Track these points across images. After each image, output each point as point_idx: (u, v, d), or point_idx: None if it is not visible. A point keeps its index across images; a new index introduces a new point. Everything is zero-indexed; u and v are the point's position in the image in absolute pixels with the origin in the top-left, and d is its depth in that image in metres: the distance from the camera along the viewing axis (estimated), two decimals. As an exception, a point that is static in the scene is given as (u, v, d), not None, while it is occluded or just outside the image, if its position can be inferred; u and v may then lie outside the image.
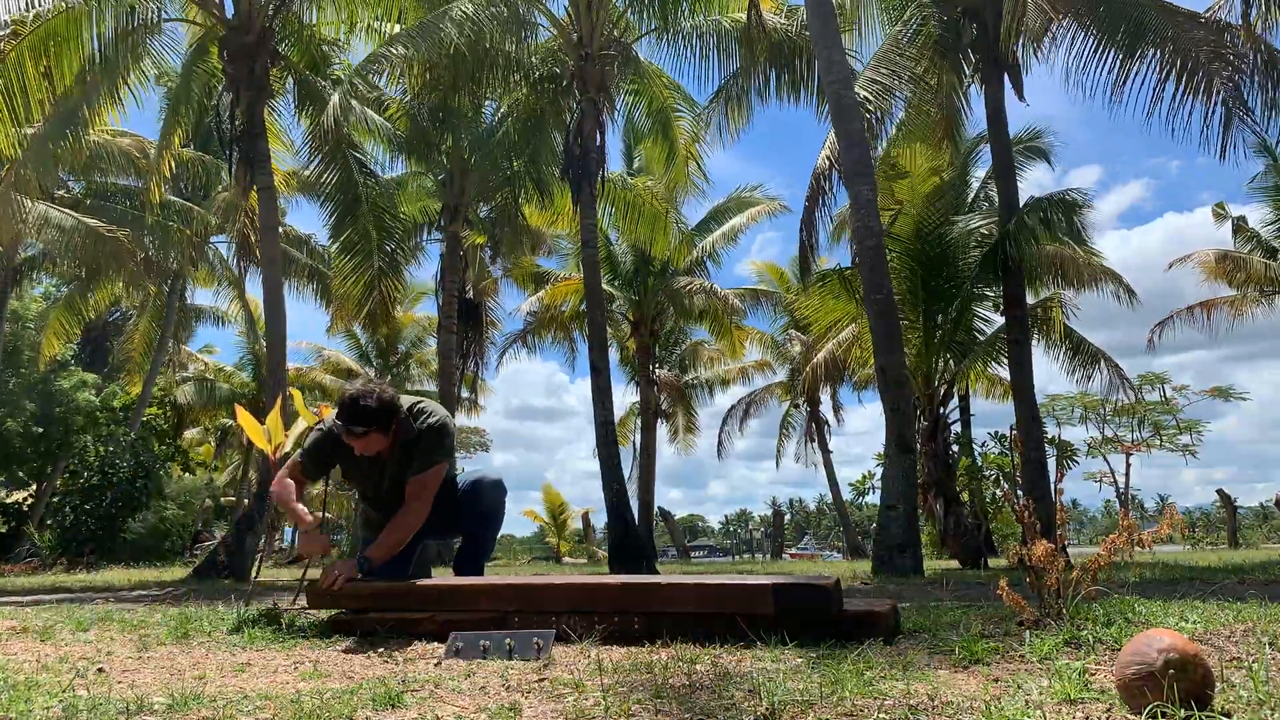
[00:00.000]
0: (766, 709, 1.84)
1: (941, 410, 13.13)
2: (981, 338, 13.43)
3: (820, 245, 12.47)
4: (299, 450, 3.72)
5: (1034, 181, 37.94)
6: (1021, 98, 12.02)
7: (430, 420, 3.52)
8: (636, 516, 14.54)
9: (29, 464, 24.10)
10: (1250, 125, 10.00)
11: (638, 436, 24.63)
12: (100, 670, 2.58)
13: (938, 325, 13.06)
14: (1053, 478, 10.43)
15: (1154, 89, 10.58)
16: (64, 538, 19.14)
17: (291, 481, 3.62)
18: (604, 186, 14.07)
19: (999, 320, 12.77)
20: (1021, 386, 11.09)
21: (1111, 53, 10.95)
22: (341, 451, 3.54)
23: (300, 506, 3.54)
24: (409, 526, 3.47)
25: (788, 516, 78.03)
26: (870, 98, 11.41)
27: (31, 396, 22.96)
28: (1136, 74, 10.74)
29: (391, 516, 3.52)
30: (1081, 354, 15.37)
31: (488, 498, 3.79)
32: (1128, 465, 18.95)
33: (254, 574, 6.51)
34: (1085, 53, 11.22)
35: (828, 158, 11.73)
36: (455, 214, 17.02)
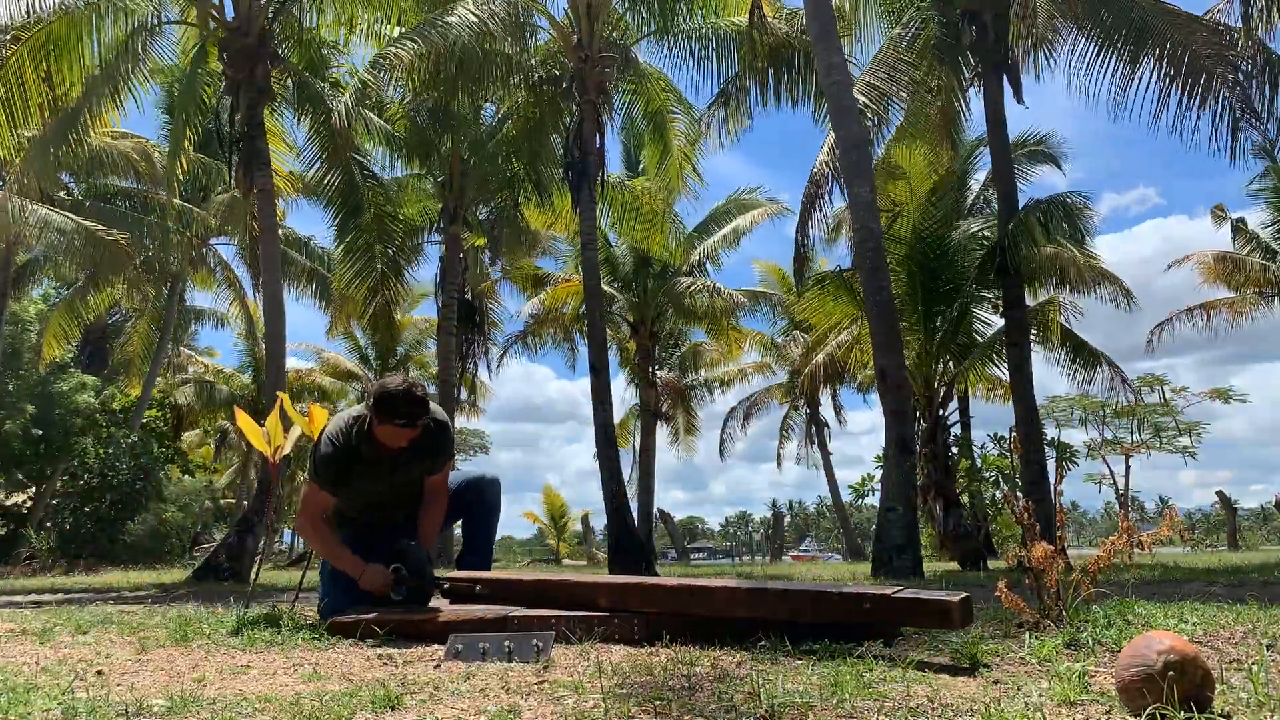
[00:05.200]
0: (766, 710, 1.83)
1: (941, 412, 13.13)
2: (981, 339, 13.43)
3: (819, 247, 12.49)
4: (311, 477, 3.62)
5: (1042, 185, 37.95)
6: (1020, 100, 12.04)
7: (437, 417, 3.59)
8: (636, 518, 14.54)
9: (28, 466, 24.09)
10: (1258, 128, 10.01)
11: (638, 438, 24.63)
12: (99, 673, 2.57)
13: (937, 327, 13.06)
14: (1052, 480, 10.43)
15: (1159, 94, 10.59)
16: (63, 540, 19.13)
17: (325, 529, 3.62)
18: (603, 188, 14.09)
19: (999, 322, 12.78)
20: (1021, 388, 11.09)
21: (1113, 58, 10.96)
22: (353, 458, 3.53)
23: (348, 554, 3.53)
24: (440, 519, 3.78)
25: (787, 518, 78.04)
26: (869, 100, 11.41)
27: (31, 399, 22.96)
28: (1140, 79, 10.75)
29: (384, 514, 3.71)
30: (1081, 356, 15.37)
31: (488, 496, 3.90)
32: (1127, 467, 18.94)
33: (254, 576, 6.51)
34: (1088, 57, 11.24)
35: (825, 160, 11.74)
36: (455, 216, 17.04)
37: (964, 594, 2.57)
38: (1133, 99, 10.79)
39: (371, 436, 3.46)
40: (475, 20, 11.38)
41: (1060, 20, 11.67)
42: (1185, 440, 16.53)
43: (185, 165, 14.04)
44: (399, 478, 3.60)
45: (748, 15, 12.05)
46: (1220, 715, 1.69)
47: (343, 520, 3.74)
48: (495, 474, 3.95)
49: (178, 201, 19.54)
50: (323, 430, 3.59)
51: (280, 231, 16.00)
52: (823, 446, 31.43)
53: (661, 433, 26.71)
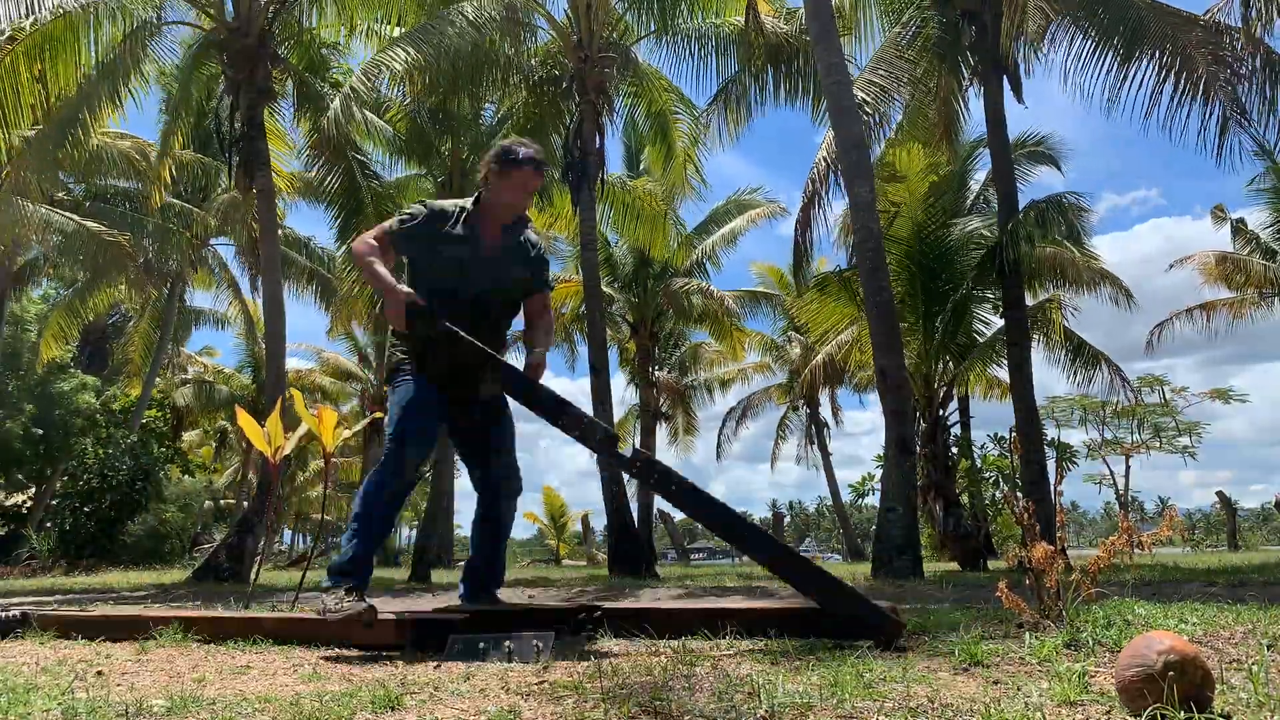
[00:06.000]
0: (766, 711, 1.83)
1: (941, 412, 13.13)
2: (981, 339, 13.44)
3: (819, 247, 12.48)
4: (394, 222, 3.42)
5: (1041, 185, 37.96)
6: (1020, 100, 12.03)
7: (535, 230, 3.58)
8: (636, 519, 14.52)
9: (28, 466, 24.11)
10: (1247, 129, 9.99)
11: (637, 438, 24.62)
12: (99, 673, 2.58)
13: (937, 327, 13.06)
14: (1052, 480, 10.43)
15: (1151, 92, 10.58)
16: (63, 540, 19.13)
17: (377, 245, 3.35)
18: (603, 188, 14.08)
19: (999, 322, 12.78)
20: (1020, 388, 11.09)
21: (1110, 55, 10.95)
22: (445, 220, 3.35)
23: (388, 274, 3.24)
24: (549, 332, 3.55)
25: (787, 519, 78.02)
26: (869, 100, 11.41)
27: (31, 399, 22.96)
28: (1135, 76, 10.74)
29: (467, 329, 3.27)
30: (1081, 356, 15.38)
31: (512, 506, 3.58)
32: (1127, 467, 18.99)
33: (254, 576, 6.51)
34: (1084, 55, 11.23)
35: (825, 159, 11.73)
36: (455, 216, 17.03)
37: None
38: (1126, 97, 10.79)
39: (481, 213, 3.37)
40: (472, 23, 11.36)
41: (1057, 20, 11.66)
42: (1185, 440, 16.60)
43: (171, 168, 14.00)
44: (490, 273, 3.34)
45: (744, 16, 12.05)
46: (1220, 715, 1.68)
47: (416, 362, 3.34)
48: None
49: (177, 201, 19.55)
50: None
51: (280, 232, 16.01)
52: (823, 447, 31.45)
53: (661, 433, 26.73)
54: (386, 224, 3.44)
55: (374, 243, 3.35)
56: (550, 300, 3.56)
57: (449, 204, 3.44)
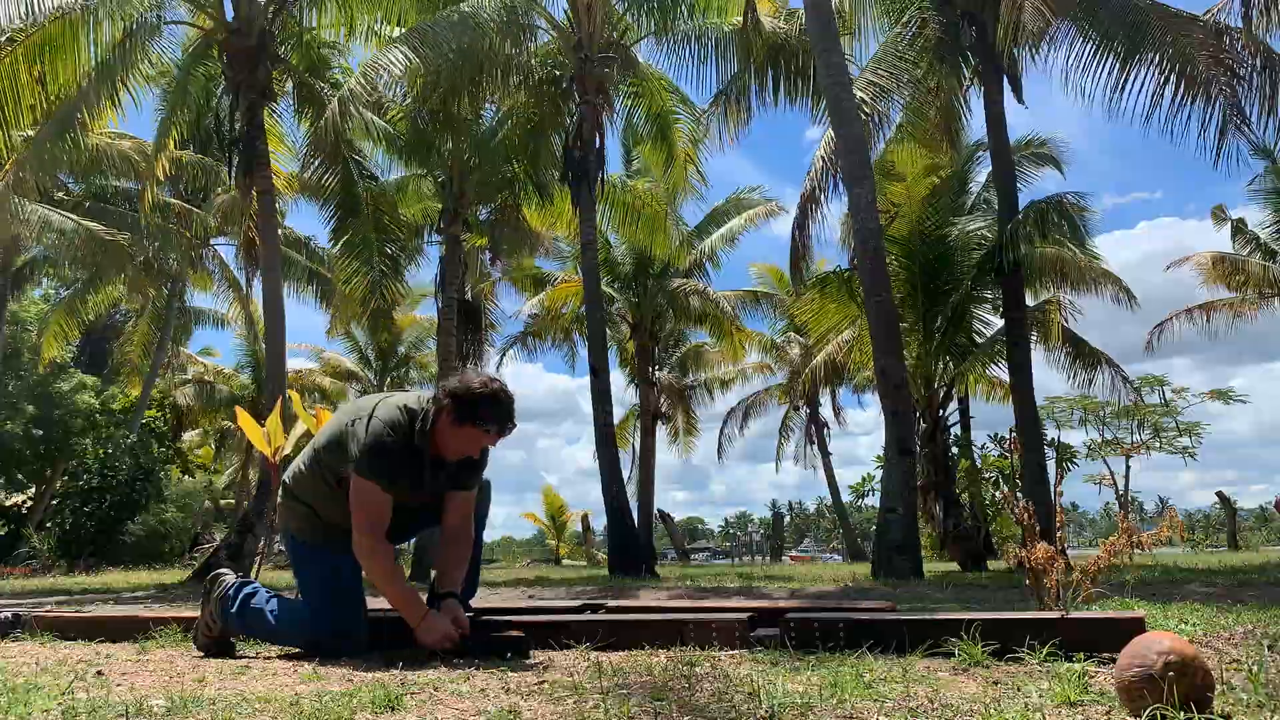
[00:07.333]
0: (766, 711, 1.83)
1: (941, 412, 13.13)
2: (981, 340, 13.43)
3: (818, 247, 12.49)
4: (363, 473, 2.82)
5: (1043, 189, 37.87)
6: (1021, 100, 12.03)
7: None
8: (636, 519, 14.52)
9: (28, 466, 24.11)
10: (1246, 132, 9.97)
11: (637, 438, 24.62)
12: (99, 673, 2.57)
13: (937, 328, 13.06)
14: (1052, 480, 10.43)
15: (1152, 94, 10.56)
16: (63, 540, 19.16)
17: (389, 558, 2.92)
18: (603, 189, 14.08)
19: (999, 323, 12.78)
20: (1020, 389, 11.09)
21: (1110, 57, 10.94)
22: (415, 458, 2.92)
23: (415, 595, 2.87)
24: (468, 555, 3.11)
25: (787, 519, 78.04)
26: (869, 100, 11.41)
27: (31, 399, 22.97)
28: (1135, 78, 10.72)
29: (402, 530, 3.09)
30: (1081, 356, 15.38)
31: (481, 502, 3.33)
32: (1127, 468, 18.98)
33: (254, 576, 6.50)
34: (1084, 56, 11.22)
35: (823, 159, 11.73)
36: (455, 216, 17.02)
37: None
38: (1127, 99, 10.77)
39: (430, 438, 2.90)
40: (471, 25, 11.35)
41: (1057, 21, 11.64)
42: (1185, 441, 16.57)
43: (166, 167, 13.97)
44: (434, 490, 3.02)
45: (743, 16, 12.05)
46: (1220, 715, 1.68)
47: (327, 535, 3.01)
48: (486, 477, 3.32)
49: (177, 201, 19.54)
50: (359, 418, 2.90)
51: (280, 232, 16.00)
52: (823, 447, 31.44)
53: (661, 433, 26.71)
54: (375, 503, 2.84)
55: (382, 541, 2.87)
56: (473, 501, 3.11)
57: (396, 429, 2.86)
